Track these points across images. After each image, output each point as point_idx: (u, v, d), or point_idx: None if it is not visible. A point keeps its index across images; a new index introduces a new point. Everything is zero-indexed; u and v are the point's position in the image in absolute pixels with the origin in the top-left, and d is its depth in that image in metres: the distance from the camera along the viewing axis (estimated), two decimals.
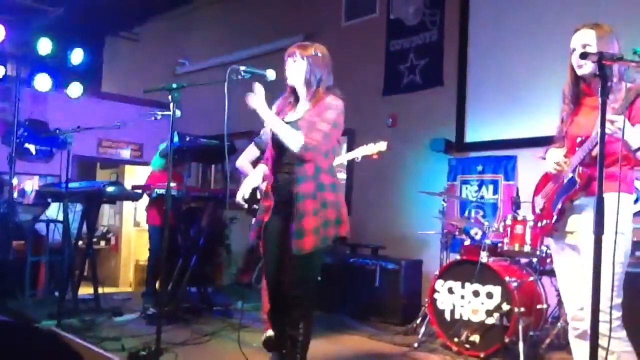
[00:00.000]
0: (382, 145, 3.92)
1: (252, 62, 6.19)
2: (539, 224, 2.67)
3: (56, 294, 5.39)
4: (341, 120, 2.80)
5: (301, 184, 2.70)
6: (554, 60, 4.10)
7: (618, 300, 2.29)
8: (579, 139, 2.42)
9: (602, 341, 2.02)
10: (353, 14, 6.54)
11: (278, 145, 2.80)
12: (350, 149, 6.31)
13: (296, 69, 2.81)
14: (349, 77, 6.17)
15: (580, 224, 2.45)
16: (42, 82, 6.03)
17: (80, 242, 5.61)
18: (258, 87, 2.71)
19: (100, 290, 5.38)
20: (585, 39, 2.42)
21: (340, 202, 2.79)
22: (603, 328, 2.03)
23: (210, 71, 7.78)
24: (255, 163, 4.38)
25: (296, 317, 2.78)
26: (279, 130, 2.71)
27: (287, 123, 2.79)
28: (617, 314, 2.27)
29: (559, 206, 2.50)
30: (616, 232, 2.04)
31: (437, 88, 5.66)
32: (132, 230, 9.32)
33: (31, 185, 7.56)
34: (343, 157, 4.19)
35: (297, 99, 2.90)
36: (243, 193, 3.04)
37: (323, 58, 2.85)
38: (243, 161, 4.34)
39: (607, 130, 2.09)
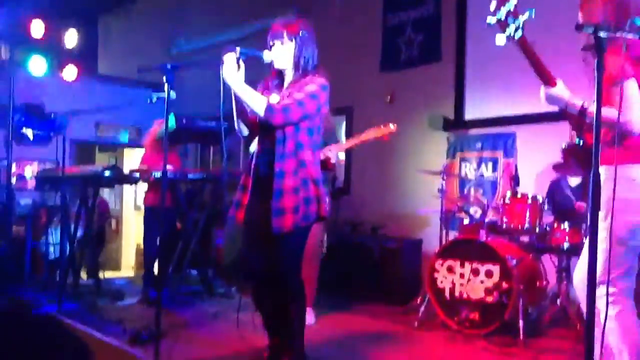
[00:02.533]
0: (391, 127, 4.14)
1: (248, 41, 6.12)
2: None
3: (57, 278, 5.40)
4: (322, 95, 2.68)
5: (282, 161, 2.63)
6: (555, 35, 4.04)
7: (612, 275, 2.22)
8: None
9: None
10: None
11: (260, 122, 2.73)
12: (348, 125, 6.29)
13: (284, 51, 2.71)
14: (346, 53, 6.12)
15: None
16: (37, 65, 5.96)
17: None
18: (227, 58, 2.61)
19: (101, 274, 5.40)
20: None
21: (319, 181, 2.70)
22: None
23: (207, 50, 7.69)
24: None
25: (285, 298, 2.74)
26: (245, 96, 2.61)
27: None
28: (612, 289, 2.22)
29: None
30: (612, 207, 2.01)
31: (435, 64, 5.58)
32: (133, 214, 9.32)
33: (31, 170, 7.54)
34: (352, 141, 4.23)
35: (282, 81, 2.82)
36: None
37: (310, 37, 2.75)
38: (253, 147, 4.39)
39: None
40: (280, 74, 2.82)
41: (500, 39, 2.14)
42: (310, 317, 3.96)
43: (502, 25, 2.13)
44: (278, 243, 2.67)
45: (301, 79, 2.71)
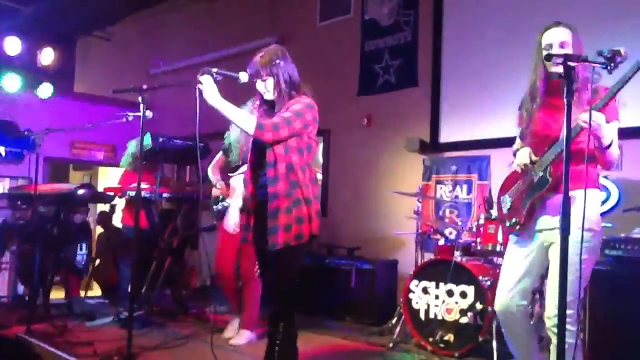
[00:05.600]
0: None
1: (226, 63, 6.15)
2: (508, 223, 2.68)
3: (26, 298, 5.29)
4: (307, 112, 2.75)
5: (274, 184, 2.69)
6: (527, 61, 4.15)
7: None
8: (549, 139, 2.45)
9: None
10: (328, 14, 6.53)
11: (256, 148, 2.81)
12: (326, 148, 6.34)
13: (267, 86, 2.80)
14: (323, 77, 6.16)
15: (556, 223, 2.42)
16: (11, 82, 5.92)
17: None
18: (204, 80, 2.63)
19: None
20: (562, 36, 2.46)
21: (312, 200, 2.76)
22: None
23: (185, 71, 7.70)
24: (224, 169, 4.49)
25: (276, 315, 2.80)
26: (231, 115, 2.65)
27: None
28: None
29: (529, 204, 2.53)
30: (583, 228, 2.09)
31: (411, 88, 5.68)
32: None
33: (1, 187, 7.39)
34: None
35: (272, 106, 2.89)
36: (234, 222, 2.98)
37: (285, 60, 2.82)
38: (211, 168, 4.54)
39: (585, 124, 2.19)
40: (270, 102, 2.88)
41: None
42: (252, 336, 4.21)
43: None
44: (271, 260, 2.76)
45: (288, 102, 2.79)
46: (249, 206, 2.93)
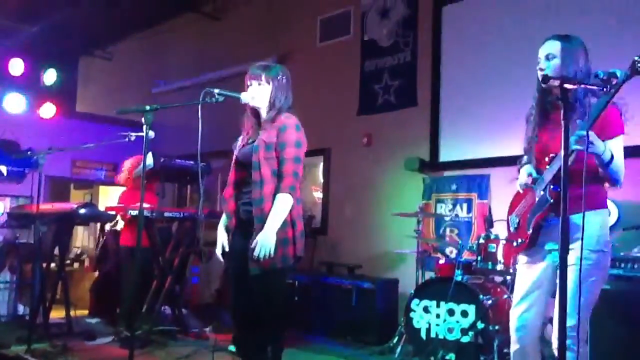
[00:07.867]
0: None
1: (227, 83, 6.20)
2: (515, 243, 2.63)
3: (26, 317, 5.27)
4: (302, 138, 2.79)
5: (261, 205, 2.69)
6: (526, 80, 4.20)
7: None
8: (549, 156, 2.42)
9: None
10: (327, 34, 6.61)
11: (241, 166, 2.81)
12: (326, 167, 6.37)
13: (261, 92, 2.82)
14: (324, 97, 6.25)
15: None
16: (14, 102, 5.97)
17: (52, 265, 5.53)
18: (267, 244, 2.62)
19: (72, 313, 5.28)
20: (550, 48, 2.46)
21: (297, 221, 2.76)
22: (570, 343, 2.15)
23: (186, 91, 7.77)
24: None
25: (262, 339, 2.76)
26: (280, 221, 2.67)
27: (250, 144, 2.82)
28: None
29: (533, 224, 2.49)
30: (582, 249, 2.08)
31: (411, 108, 5.73)
32: None
33: (2, 206, 7.41)
34: None
35: (259, 119, 2.90)
36: (222, 246, 2.94)
37: (287, 81, 2.87)
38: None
39: (578, 146, 2.14)
40: (256, 113, 2.90)
41: None
42: None
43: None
44: (256, 283, 2.69)
45: (274, 120, 2.79)
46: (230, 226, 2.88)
